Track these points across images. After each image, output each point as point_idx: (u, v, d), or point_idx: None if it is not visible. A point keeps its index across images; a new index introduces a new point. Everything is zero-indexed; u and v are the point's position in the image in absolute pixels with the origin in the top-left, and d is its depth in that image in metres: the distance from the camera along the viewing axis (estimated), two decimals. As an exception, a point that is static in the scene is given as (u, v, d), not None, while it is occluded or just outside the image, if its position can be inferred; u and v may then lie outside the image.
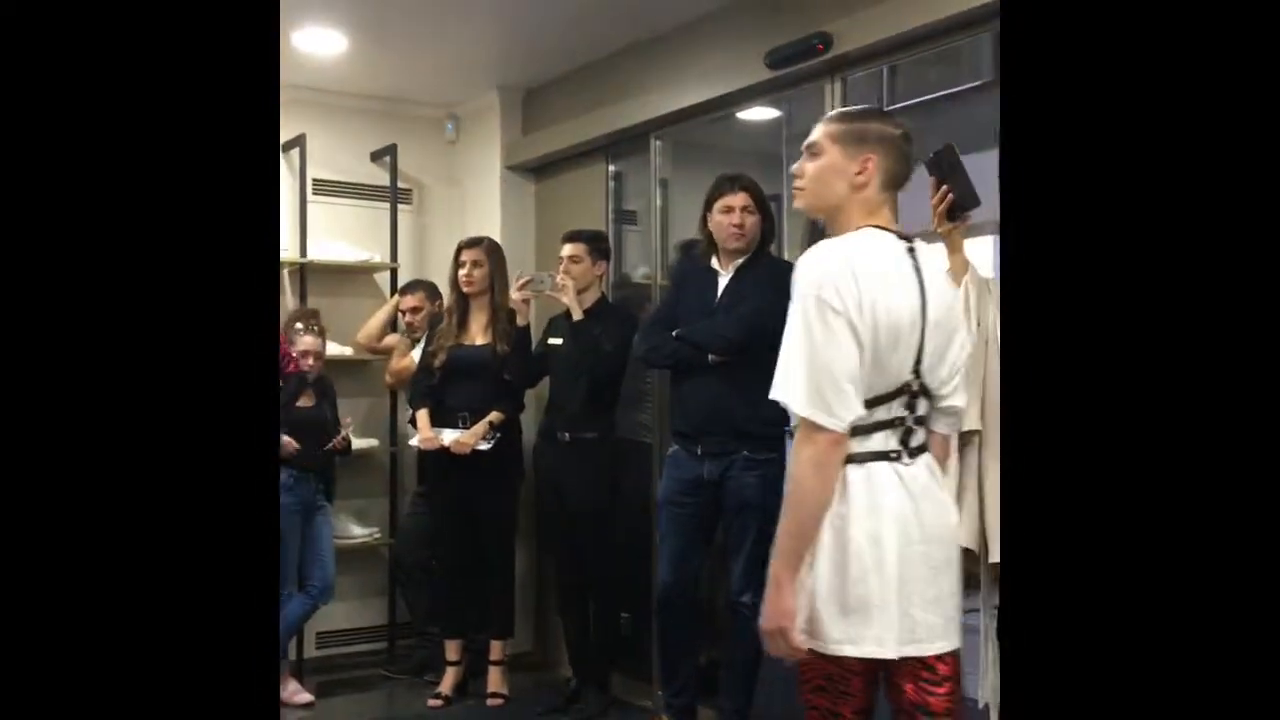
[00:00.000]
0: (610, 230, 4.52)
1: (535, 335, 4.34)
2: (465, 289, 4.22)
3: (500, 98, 4.99)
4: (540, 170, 5.01)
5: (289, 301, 4.89)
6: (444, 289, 4.53)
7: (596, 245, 4.17)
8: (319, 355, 4.42)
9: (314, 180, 4.95)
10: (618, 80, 4.43)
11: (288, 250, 4.84)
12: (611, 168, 4.63)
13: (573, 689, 4.24)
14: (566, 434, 4.10)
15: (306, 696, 4.36)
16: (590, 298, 4.11)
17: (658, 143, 4.30)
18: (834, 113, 2.14)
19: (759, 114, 3.94)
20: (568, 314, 4.06)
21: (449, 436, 4.16)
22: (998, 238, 1.90)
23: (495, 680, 4.29)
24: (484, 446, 4.14)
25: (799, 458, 1.90)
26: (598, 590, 4.19)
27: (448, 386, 4.23)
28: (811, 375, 1.86)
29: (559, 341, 4.14)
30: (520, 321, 4.17)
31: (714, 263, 3.55)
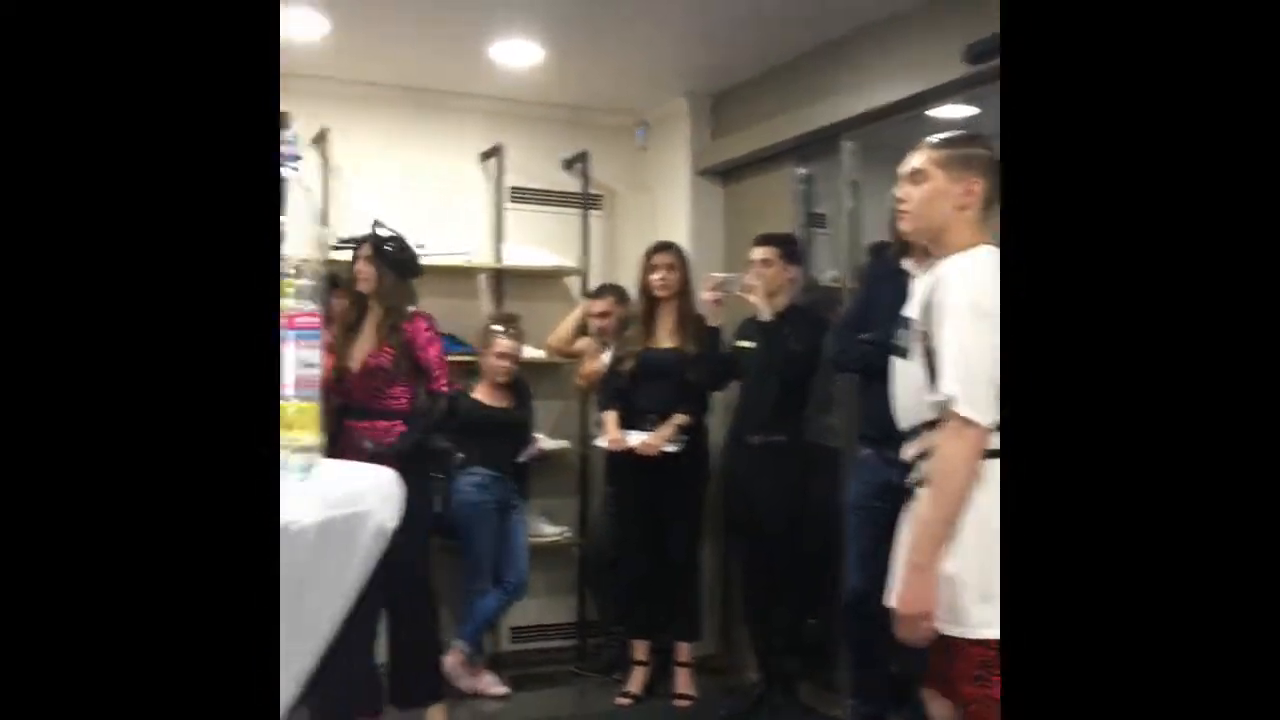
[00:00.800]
0: (799, 233, 4.49)
1: (727, 339, 4.35)
2: (659, 293, 4.27)
3: (689, 103, 5.03)
4: (729, 174, 5.02)
5: (485, 305, 5.06)
6: (633, 293, 4.59)
7: (788, 249, 4.15)
8: (515, 358, 4.55)
9: (510, 188, 5.10)
10: (807, 82, 4.40)
11: (484, 256, 5.01)
12: (801, 170, 4.60)
13: (760, 694, 4.22)
14: (756, 437, 4.09)
15: (502, 689, 4.49)
16: (781, 301, 4.09)
17: (848, 144, 4.25)
18: (935, 139, 2.26)
19: (952, 112, 3.84)
20: (758, 317, 4.06)
21: (636, 438, 4.21)
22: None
23: (683, 682, 4.31)
24: (671, 448, 4.17)
25: (950, 452, 2.05)
26: (785, 595, 4.17)
27: (636, 389, 4.28)
28: (968, 376, 2.02)
29: (749, 344, 4.14)
30: (711, 323, 4.18)
31: (906, 264, 3.48)
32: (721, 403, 4.54)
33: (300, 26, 4.18)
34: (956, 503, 2.03)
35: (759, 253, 4.11)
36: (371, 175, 4.88)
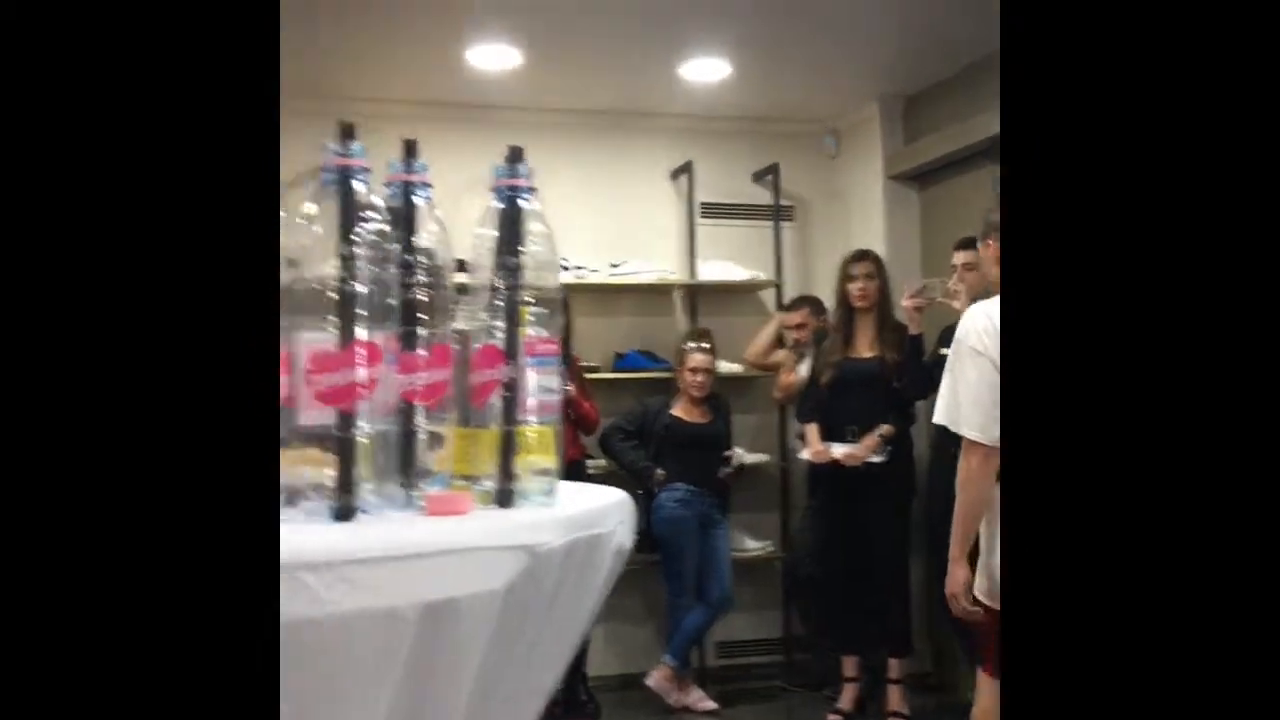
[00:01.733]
0: (1001, 235, 4.35)
1: (928, 346, 4.25)
2: (859, 303, 4.21)
3: (881, 108, 4.95)
4: (924, 178, 4.91)
5: (680, 321, 5.10)
6: (828, 303, 4.54)
7: (990, 251, 4.02)
8: (711, 372, 4.56)
9: (701, 204, 5.12)
10: (1005, 78, 4.26)
11: (679, 272, 5.05)
12: (1000, 171, 4.46)
13: (977, 712, 4.08)
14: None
15: (711, 704, 4.49)
16: (985, 306, 3.97)
17: (1051, 140, 4.09)
18: None
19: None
20: (962, 323, 3.94)
21: (840, 450, 4.15)
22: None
23: (895, 699, 4.22)
24: (876, 459, 4.10)
25: (962, 465, 2.46)
26: (1001, 610, 4.03)
27: (836, 400, 4.22)
28: (965, 402, 2.41)
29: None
30: (913, 331, 4.09)
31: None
32: (926, 412, 4.43)
33: (492, 59, 4.31)
34: (968, 505, 2.46)
35: (961, 256, 3.99)
36: (566, 199, 4.98)
